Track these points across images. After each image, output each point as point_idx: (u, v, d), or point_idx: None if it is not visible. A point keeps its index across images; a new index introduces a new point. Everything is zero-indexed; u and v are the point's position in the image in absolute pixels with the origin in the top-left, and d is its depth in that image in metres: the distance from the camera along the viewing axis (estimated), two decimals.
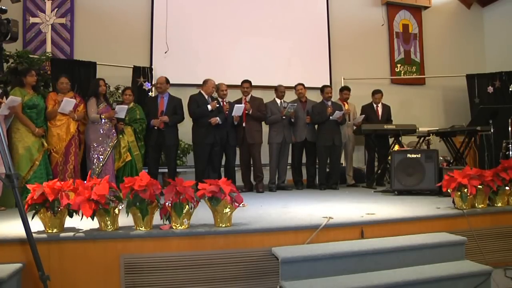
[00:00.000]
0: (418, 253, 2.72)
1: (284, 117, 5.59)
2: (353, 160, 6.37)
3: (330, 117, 5.57)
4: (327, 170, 5.75)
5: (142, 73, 6.38)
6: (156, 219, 2.70)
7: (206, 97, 5.29)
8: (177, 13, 6.87)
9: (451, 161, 5.94)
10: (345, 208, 3.62)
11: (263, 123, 5.68)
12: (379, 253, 2.64)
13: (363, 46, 7.86)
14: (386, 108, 6.27)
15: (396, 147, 5.69)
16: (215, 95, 5.47)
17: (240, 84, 5.67)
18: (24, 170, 4.21)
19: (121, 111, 4.87)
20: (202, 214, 2.87)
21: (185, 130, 5.67)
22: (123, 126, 5.07)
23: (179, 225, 2.64)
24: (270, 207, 3.76)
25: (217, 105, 5.25)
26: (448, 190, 3.33)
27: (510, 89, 6.29)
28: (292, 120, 5.67)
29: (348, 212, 3.34)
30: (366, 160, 6.30)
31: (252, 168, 5.59)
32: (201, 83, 5.44)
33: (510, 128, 4.80)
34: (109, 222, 2.62)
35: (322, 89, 5.88)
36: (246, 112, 5.41)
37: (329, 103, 5.72)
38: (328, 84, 6.75)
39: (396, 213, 3.22)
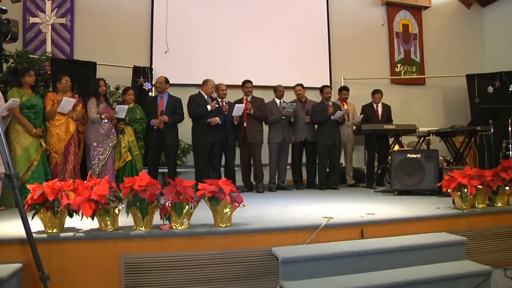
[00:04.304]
0: (418, 253, 2.72)
1: (283, 117, 5.59)
2: (353, 160, 6.37)
3: (332, 117, 5.57)
4: (327, 170, 5.75)
5: (142, 73, 6.38)
6: (156, 219, 2.70)
7: (206, 97, 5.29)
8: (177, 13, 6.87)
9: (451, 161, 5.94)
10: (345, 208, 3.62)
11: (263, 122, 5.69)
12: (379, 253, 2.64)
13: (363, 46, 7.86)
14: (386, 108, 6.26)
15: (396, 147, 5.69)
16: (214, 95, 5.47)
17: (239, 84, 5.68)
18: (21, 171, 4.20)
19: (121, 111, 4.87)
20: (202, 214, 2.87)
21: (185, 130, 5.66)
22: (124, 126, 5.07)
23: (179, 225, 2.64)
24: (270, 207, 3.76)
25: (217, 105, 5.25)
26: (448, 190, 3.33)
27: (510, 89, 6.30)
28: (292, 120, 5.67)
29: (348, 212, 3.34)
30: (366, 160, 6.29)
31: (252, 168, 5.60)
32: (201, 83, 5.44)
33: (510, 128, 4.81)
34: (109, 222, 2.62)
35: (322, 89, 5.88)
36: (247, 112, 5.41)
37: (330, 103, 5.73)
38: (328, 84, 6.75)
39: (396, 213, 3.22)
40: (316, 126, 5.84)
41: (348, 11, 7.89)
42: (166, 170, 5.54)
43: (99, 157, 4.72)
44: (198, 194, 2.64)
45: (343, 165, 6.44)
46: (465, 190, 3.20)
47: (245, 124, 5.44)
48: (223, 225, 2.70)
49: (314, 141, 5.77)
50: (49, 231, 2.59)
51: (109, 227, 2.63)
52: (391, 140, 6.08)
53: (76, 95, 4.87)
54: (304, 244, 2.73)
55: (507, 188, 3.40)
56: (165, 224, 2.68)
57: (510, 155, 4.68)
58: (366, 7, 8.06)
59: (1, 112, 3.92)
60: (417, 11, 8.34)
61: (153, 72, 6.49)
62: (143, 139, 5.24)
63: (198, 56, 6.91)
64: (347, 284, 2.39)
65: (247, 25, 7.24)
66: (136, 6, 6.85)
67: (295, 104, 5.68)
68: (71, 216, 2.65)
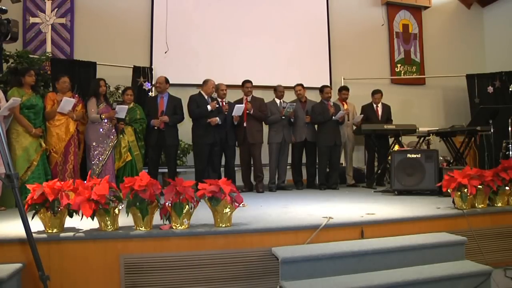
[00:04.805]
0: (418, 253, 2.72)
1: (283, 117, 5.59)
2: (353, 160, 6.36)
3: (333, 117, 5.57)
4: (327, 170, 5.75)
5: (142, 73, 6.38)
6: (156, 219, 2.70)
7: (206, 97, 5.29)
8: (177, 13, 6.87)
9: (451, 161, 5.94)
10: (345, 208, 3.62)
11: (263, 122, 5.69)
12: (379, 253, 2.64)
13: (363, 46, 7.86)
14: (386, 108, 6.26)
15: (396, 147, 5.69)
16: (214, 95, 5.47)
17: (240, 84, 5.68)
18: (21, 171, 4.19)
19: (121, 111, 4.87)
20: (202, 214, 2.87)
21: (185, 130, 5.67)
22: (124, 126, 5.07)
23: (179, 225, 2.64)
24: (270, 207, 3.76)
25: (217, 106, 5.25)
26: (448, 190, 3.33)
27: (510, 89, 6.30)
28: (292, 120, 5.67)
29: (348, 212, 3.34)
30: (366, 160, 6.30)
31: (252, 168, 5.60)
32: (201, 83, 5.44)
33: (510, 128, 4.80)
34: (109, 222, 2.62)
35: (322, 89, 5.88)
36: (247, 112, 5.41)
37: (330, 103, 5.73)
38: (328, 84, 6.75)
39: (396, 213, 3.22)
40: (316, 126, 5.84)
41: (348, 11, 7.89)
42: (166, 170, 5.54)
43: (99, 157, 4.72)
44: (198, 194, 2.64)
45: (343, 165, 6.44)
46: (465, 190, 3.20)
47: (245, 124, 5.44)
48: (223, 225, 2.69)
49: (314, 141, 5.77)
50: (49, 231, 2.59)
51: (109, 227, 2.62)
52: (391, 140, 6.08)
53: (76, 95, 4.87)
54: (304, 244, 2.73)
55: (507, 188, 3.40)
56: (165, 224, 2.68)
57: (510, 155, 4.68)
58: (366, 7, 8.06)
59: (2, 112, 3.92)
60: (417, 11, 8.34)
61: (153, 72, 6.49)
62: (143, 139, 5.24)
63: (198, 56, 6.92)
64: (347, 284, 2.39)
65: (247, 25, 7.24)
66: (136, 6, 6.85)
67: (295, 104, 5.68)
68: (71, 216, 2.65)
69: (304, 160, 5.97)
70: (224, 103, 5.41)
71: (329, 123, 5.62)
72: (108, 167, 4.75)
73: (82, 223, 2.68)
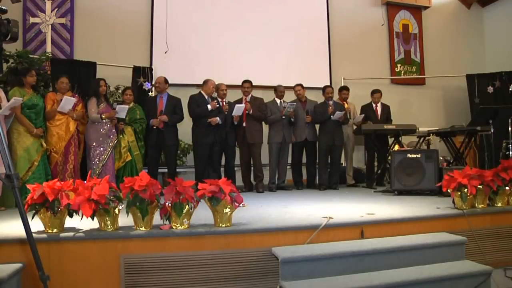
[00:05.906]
0: (418, 253, 2.72)
1: (283, 117, 5.59)
2: (353, 160, 6.37)
3: (331, 116, 5.57)
4: (328, 169, 5.75)
5: (142, 73, 6.38)
6: (156, 219, 2.70)
7: (206, 97, 5.29)
8: (177, 13, 6.87)
9: (451, 161, 5.94)
10: (345, 208, 3.62)
11: (263, 122, 5.69)
12: (379, 253, 2.64)
13: (363, 46, 7.86)
14: (386, 108, 6.27)
15: (396, 147, 5.69)
16: (214, 95, 5.47)
17: (240, 84, 5.68)
18: (22, 171, 4.19)
19: (121, 111, 4.87)
20: (202, 214, 2.87)
21: (185, 130, 5.66)
22: (123, 126, 5.07)
23: (179, 225, 2.64)
24: (270, 207, 3.76)
25: (217, 105, 5.26)
26: (448, 190, 3.33)
27: (510, 89, 6.29)
28: (292, 119, 5.67)
29: (348, 212, 3.34)
30: (366, 160, 6.29)
31: (252, 168, 5.60)
32: (201, 83, 5.44)
33: (510, 128, 4.80)
34: (109, 222, 2.62)
35: (324, 89, 5.88)
36: (247, 112, 5.41)
37: (331, 102, 5.73)
38: (329, 84, 6.76)
39: (396, 213, 3.22)
40: (317, 126, 5.83)
41: (348, 11, 7.89)
42: (166, 170, 5.54)
43: (99, 157, 4.72)
44: (198, 194, 2.64)
45: (343, 165, 6.44)
46: (465, 190, 3.20)
47: (244, 124, 5.45)
48: (223, 225, 2.69)
49: (315, 140, 5.78)
50: (49, 231, 2.59)
51: (109, 227, 2.62)
52: (391, 140, 6.08)
53: (76, 95, 4.87)
54: (304, 244, 2.73)
55: (507, 188, 3.40)
56: (165, 224, 2.68)
57: (510, 155, 4.68)
58: (366, 7, 8.06)
59: (3, 111, 3.92)
60: (417, 11, 8.35)
61: (153, 72, 6.49)
62: (143, 139, 5.23)
63: (198, 56, 6.92)
64: (347, 284, 2.39)
65: (247, 25, 7.24)
66: (136, 6, 6.85)
67: (295, 103, 5.69)
68: (71, 216, 2.65)
69: (304, 160, 5.97)
70: (224, 103, 5.41)
71: (330, 123, 5.62)
72: (108, 167, 4.75)
73: (82, 223, 2.68)
